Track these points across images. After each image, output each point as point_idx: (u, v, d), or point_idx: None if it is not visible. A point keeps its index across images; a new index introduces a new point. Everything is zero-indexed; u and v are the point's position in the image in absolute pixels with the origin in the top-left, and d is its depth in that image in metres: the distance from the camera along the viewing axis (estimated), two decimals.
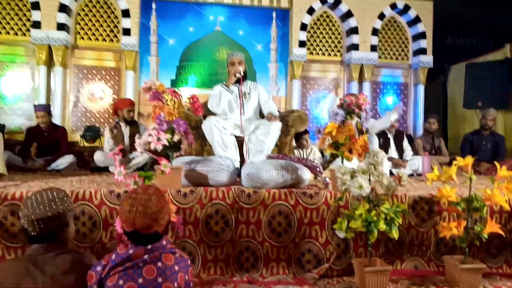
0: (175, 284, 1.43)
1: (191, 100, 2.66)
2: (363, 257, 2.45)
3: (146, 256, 1.43)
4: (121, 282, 1.40)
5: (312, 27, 6.53)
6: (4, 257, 2.24)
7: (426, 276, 2.49)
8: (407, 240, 2.56)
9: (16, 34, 5.65)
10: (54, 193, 1.61)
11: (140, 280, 1.40)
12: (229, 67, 3.58)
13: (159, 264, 1.44)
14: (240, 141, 3.31)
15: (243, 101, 3.50)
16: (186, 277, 1.49)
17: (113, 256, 1.45)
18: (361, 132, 2.57)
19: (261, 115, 3.61)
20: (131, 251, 1.44)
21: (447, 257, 2.43)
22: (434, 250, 2.60)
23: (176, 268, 1.46)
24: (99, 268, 1.44)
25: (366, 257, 2.33)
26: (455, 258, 2.38)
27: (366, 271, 2.16)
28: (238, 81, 3.48)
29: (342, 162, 2.55)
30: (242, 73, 3.44)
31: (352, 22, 6.43)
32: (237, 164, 3.11)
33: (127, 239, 1.50)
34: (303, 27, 6.33)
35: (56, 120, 5.36)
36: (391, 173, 3.97)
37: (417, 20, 6.61)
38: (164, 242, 1.50)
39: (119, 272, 1.41)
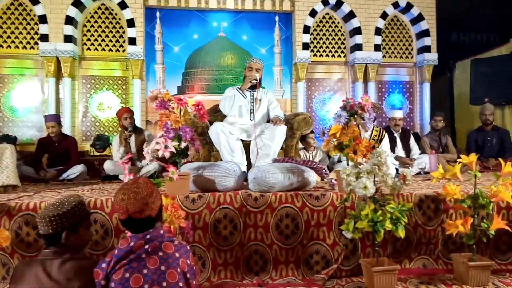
0: (178, 270, 1.50)
1: (197, 107, 2.70)
2: (371, 257, 2.47)
3: (146, 246, 1.49)
4: (127, 275, 1.46)
5: (315, 29, 6.56)
6: None
7: (435, 274, 2.50)
8: (414, 238, 2.58)
9: (25, 47, 5.77)
10: (70, 198, 1.70)
11: (145, 271, 1.46)
12: (246, 72, 3.62)
13: (160, 253, 1.50)
14: (246, 145, 3.35)
15: (254, 106, 3.55)
16: (188, 261, 1.55)
17: (116, 251, 1.52)
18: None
19: (268, 121, 3.64)
20: (132, 243, 1.50)
21: (455, 255, 2.44)
22: (442, 248, 2.62)
23: (177, 255, 1.53)
24: (104, 265, 1.51)
25: (374, 257, 2.35)
26: (463, 256, 2.39)
27: (373, 271, 2.18)
28: (252, 87, 3.54)
29: (348, 163, 2.58)
30: (258, 80, 3.51)
31: (355, 23, 6.44)
32: (244, 169, 3.15)
33: (127, 233, 1.57)
34: (306, 29, 6.36)
35: (66, 130, 5.45)
36: (397, 172, 3.98)
37: (420, 17, 6.60)
38: (161, 231, 1.57)
39: (124, 265, 1.48)
